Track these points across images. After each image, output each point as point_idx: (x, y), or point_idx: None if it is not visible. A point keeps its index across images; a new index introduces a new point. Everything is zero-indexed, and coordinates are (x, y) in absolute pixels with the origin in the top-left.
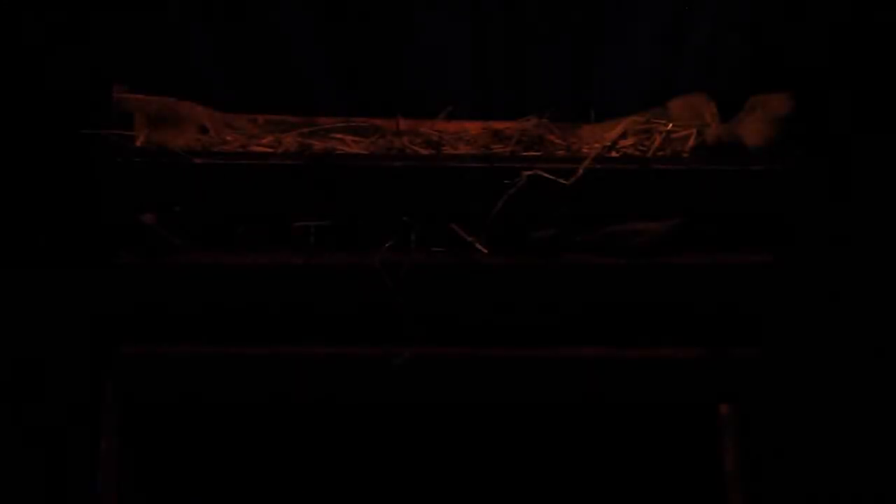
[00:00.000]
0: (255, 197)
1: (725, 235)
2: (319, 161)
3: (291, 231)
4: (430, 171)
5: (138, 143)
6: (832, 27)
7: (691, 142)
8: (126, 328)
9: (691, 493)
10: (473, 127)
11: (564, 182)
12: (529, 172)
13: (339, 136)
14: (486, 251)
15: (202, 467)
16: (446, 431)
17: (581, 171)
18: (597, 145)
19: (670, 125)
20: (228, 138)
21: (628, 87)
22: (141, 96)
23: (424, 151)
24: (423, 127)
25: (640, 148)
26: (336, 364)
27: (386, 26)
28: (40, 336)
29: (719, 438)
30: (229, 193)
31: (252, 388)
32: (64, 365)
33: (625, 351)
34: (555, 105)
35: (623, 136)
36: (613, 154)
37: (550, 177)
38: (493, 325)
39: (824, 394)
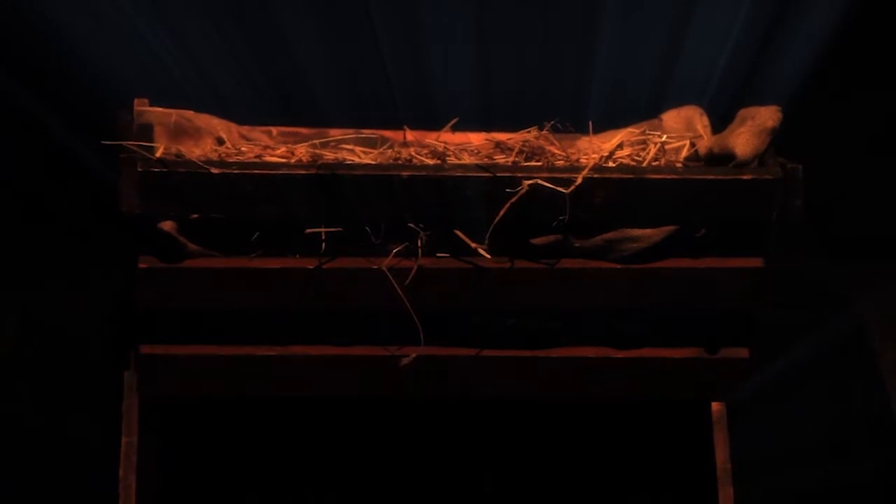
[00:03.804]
0: (268, 205)
1: (717, 242)
2: (330, 171)
3: (303, 237)
4: (435, 181)
5: (158, 154)
6: (820, 41)
7: (684, 152)
8: (145, 329)
9: (684, 486)
10: (477, 138)
11: (564, 191)
12: (530, 181)
13: (348, 146)
14: (488, 256)
15: (219, 461)
16: (450, 427)
17: (580, 180)
18: (594, 156)
19: (664, 136)
20: (244, 149)
21: (625, 100)
22: (160, 109)
23: (430, 161)
24: (429, 138)
25: (636, 158)
26: (346, 364)
27: (394, 43)
28: (62, 337)
29: (711, 434)
30: (244, 201)
31: (265, 387)
32: (85, 364)
33: (621, 351)
34: (554, 117)
35: (619, 147)
36: (610, 164)
37: (550, 186)
38: (496, 326)
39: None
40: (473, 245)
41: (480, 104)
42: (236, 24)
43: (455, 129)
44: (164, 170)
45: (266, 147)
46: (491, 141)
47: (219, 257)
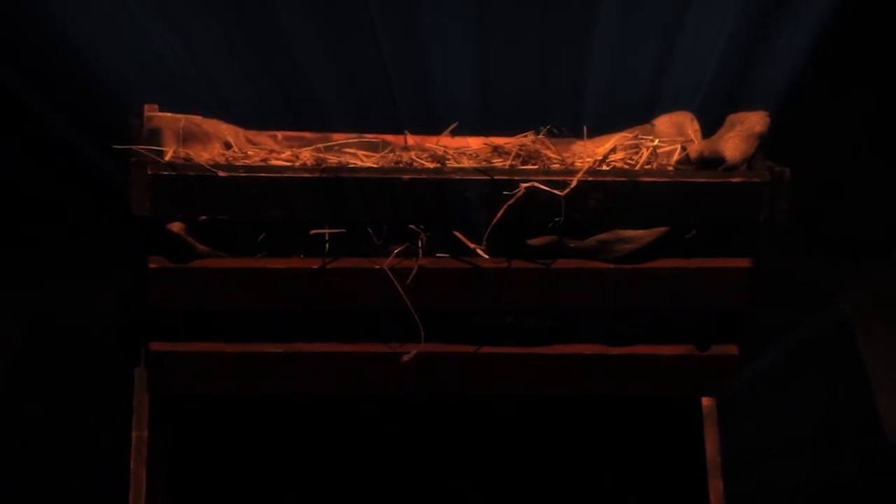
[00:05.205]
0: (274, 207)
1: (707, 242)
2: (333, 174)
3: (308, 238)
4: (435, 183)
5: (167, 158)
6: (806, 47)
7: (676, 156)
8: (155, 327)
9: (676, 479)
10: (475, 142)
11: (559, 193)
12: (527, 184)
13: (351, 150)
14: (486, 257)
15: (226, 455)
16: (450, 422)
17: (574, 183)
18: (589, 159)
19: (656, 141)
20: (250, 153)
21: (618, 106)
22: (170, 114)
23: (430, 165)
24: (429, 142)
25: (629, 162)
26: (349, 361)
27: (396, 51)
28: (73, 335)
29: (701, 429)
30: (251, 204)
31: (271, 383)
32: (98, 361)
33: (614, 348)
34: (550, 122)
35: (613, 150)
36: (604, 167)
37: (546, 188)
38: (494, 324)
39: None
40: (472, 246)
41: (479, 109)
42: (245, 35)
43: (454, 133)
44: (173, 173)
45: (272, 151)
46: (489, 145)
47: (226, 258)
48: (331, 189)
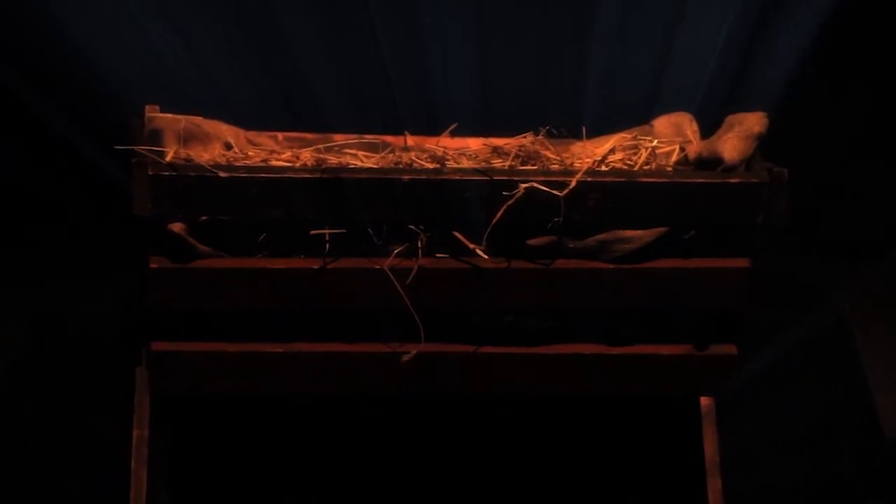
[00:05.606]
0: (274, 207)
1: (705, 243)
2: (334, 174)
3: (308, 238)
4: (435, 184)
5: (168, 159)
6: (805, 47)
7: (674, 157)
8: (156, 327)
9: (675, 478)
10: (475, 143)
11: (558, 194)
12: (526, 185)
13: (351, 151)
14: (486, 257)
15: (227, 454)
16: (450, 422)
17: (574, 183)
18: (588, 160)
19: (655, 142)
20: (251, 154)
21: (618, 106)
22: (170, 115)
23: (430, 165)
24: (429, 143)
25: (628, 163)
26: (349, 360)
27: (396, 51)
28: (75, 335)
29: (700, 428)
30: (251, 204)
31: (270, 383)
32: (98, 361)
33: (614, 348)
34: (550, 122)
35: (612, 151)
36: (603, 168)
37: (545, 189)
38: (493, 324)
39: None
40: (472, 246)
41: (479, 109)
42: (245, 35)
43: (454, 134)
44: (174, 173)
45: (272, 151)
46: (488, 146)
47: (226, 258)
48: (331, 190)
